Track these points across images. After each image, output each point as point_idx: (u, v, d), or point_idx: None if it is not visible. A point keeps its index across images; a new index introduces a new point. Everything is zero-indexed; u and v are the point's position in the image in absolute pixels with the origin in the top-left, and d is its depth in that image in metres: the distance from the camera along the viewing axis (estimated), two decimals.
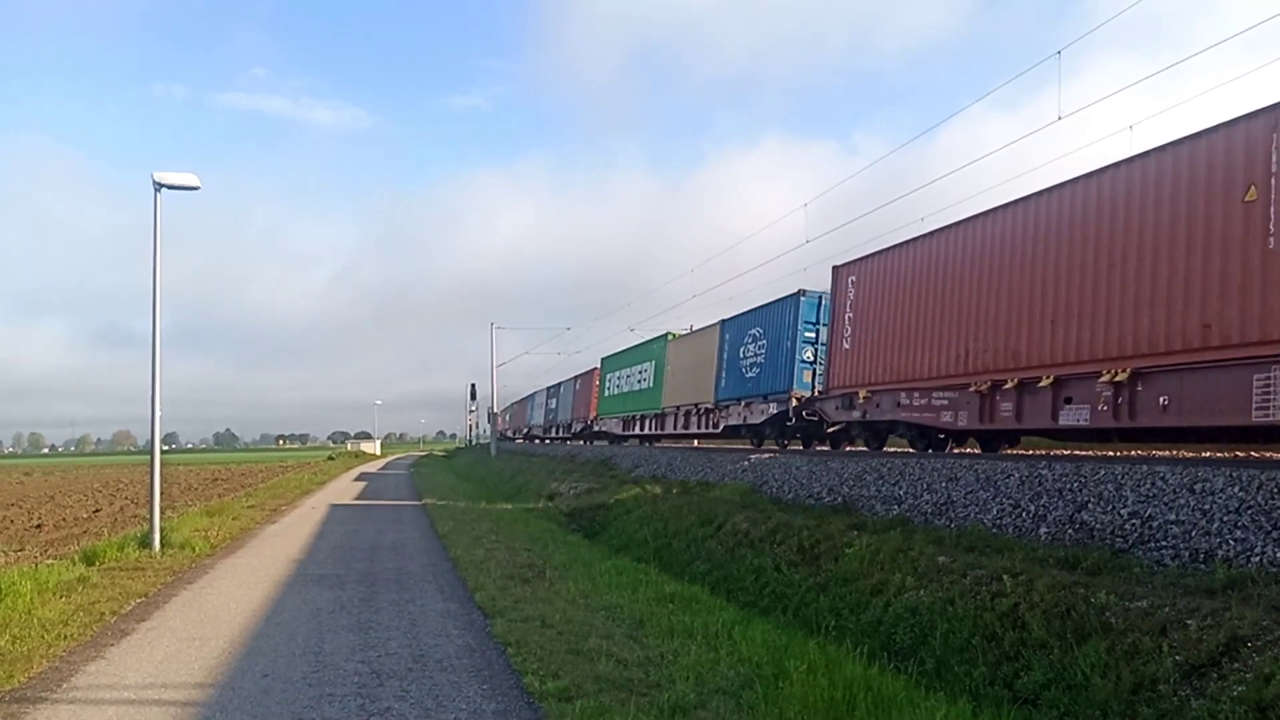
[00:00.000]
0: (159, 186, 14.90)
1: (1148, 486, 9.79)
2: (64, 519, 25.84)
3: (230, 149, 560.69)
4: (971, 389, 15.07)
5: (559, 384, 61.80)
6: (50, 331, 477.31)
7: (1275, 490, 8.46)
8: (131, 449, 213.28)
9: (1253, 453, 13.88)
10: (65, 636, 8.51)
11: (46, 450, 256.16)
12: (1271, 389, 10.16)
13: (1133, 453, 15.41)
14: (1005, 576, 8.75)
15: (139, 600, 10.58)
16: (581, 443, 50.36)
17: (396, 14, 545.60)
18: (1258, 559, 7.89)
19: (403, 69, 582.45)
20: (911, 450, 18.28)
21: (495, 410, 65.10)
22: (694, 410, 30.39)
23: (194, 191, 15.12)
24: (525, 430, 79.91)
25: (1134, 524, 9.42)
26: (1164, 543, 8.92)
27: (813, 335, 22.46)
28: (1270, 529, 8.09)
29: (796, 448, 24.30)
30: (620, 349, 42.61)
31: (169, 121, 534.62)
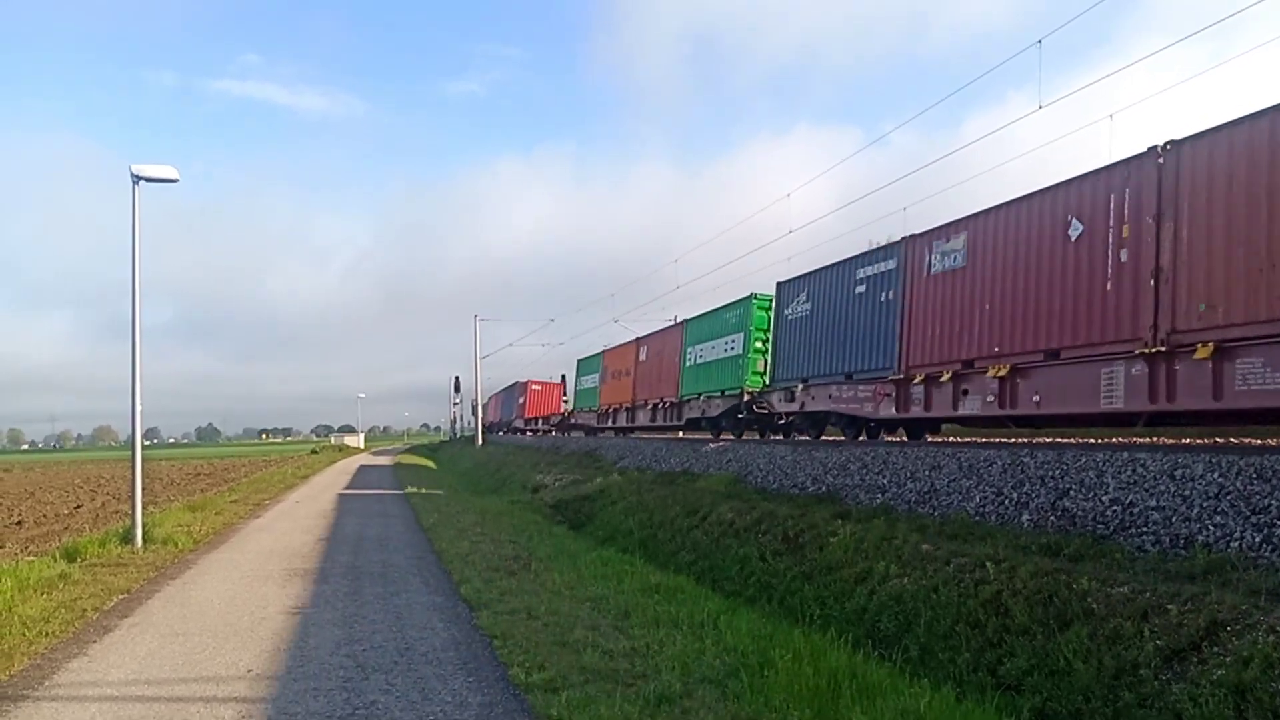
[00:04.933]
0: (136, 179, 14.72)
1: (1129, 473, 9.87)
2: (45, 515, 25.62)
3: (239, 137, 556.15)
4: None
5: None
6: (52, 325, 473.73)
7: (1254, 476, 8.56)
8: (113, 444, 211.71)
9: (1232, 439, 14.02)
10: (47, 633, 8.43)
11: (26, 446, 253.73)
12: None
13: (1113, 440, 15.54)
14: (988, 564, 8.81)
15: (121, 596, 10.49)
16: (562, 434, 50.71)
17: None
18: (1236, 544, 7.97)
19: (411, 55, 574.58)
20: (895, 440, 18.58)
21: (480, 402, 64.90)
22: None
23: (174, 183, 14.93)
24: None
25: (1115, 510, 9.50)
26: (1145, 529, 9.00)
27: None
28: (1249, 514, 8.17)
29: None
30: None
31: (161, 110, 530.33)
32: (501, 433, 78.18)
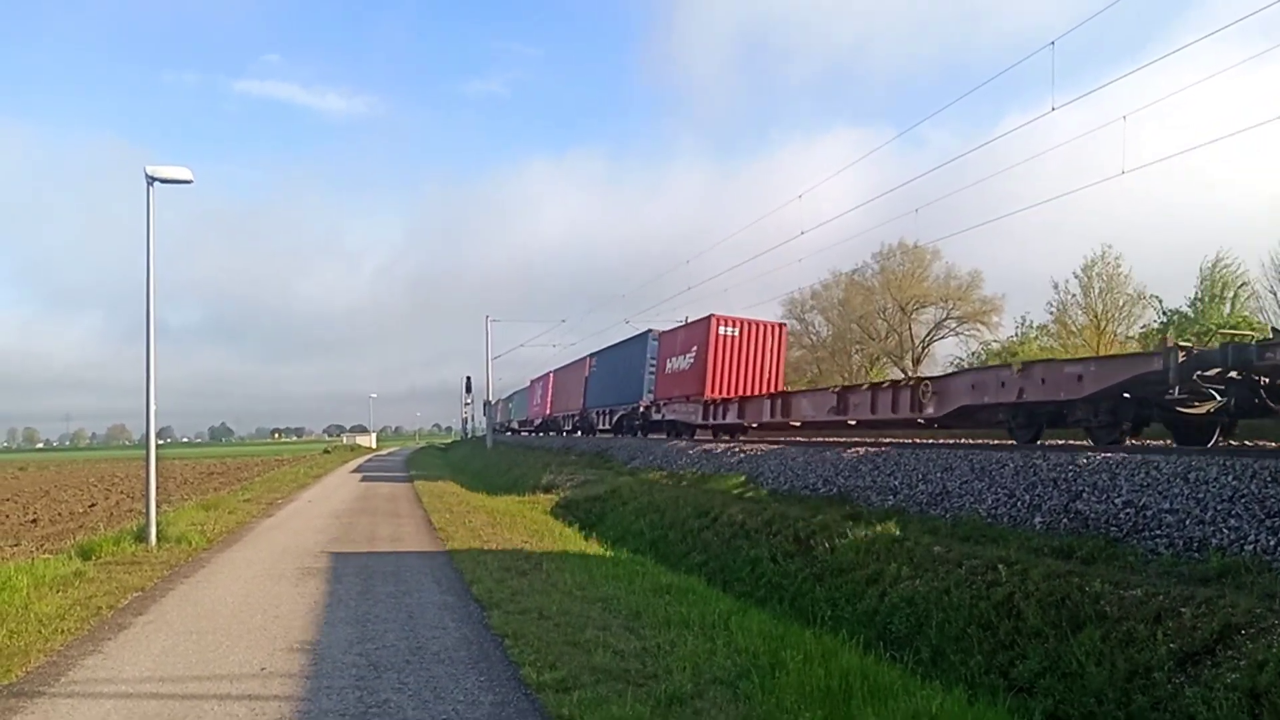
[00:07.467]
0: (151, 180, 14.82)
1: (1142, 476, 9.83)
2: (59, 514, 25.78)
3: (268, 138, 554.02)
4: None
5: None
6: (82, 325, 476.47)
7: (1269, 479, 8.51)
8: (126, 443, 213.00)
9: (1246, 442, 13.93)
10: (62, 631, 8.51)
11: (41, 445, 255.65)
12: None
13: (1127, 443, 15.46)
14: (1000, 566, 8.79)
15: (136, 594, 10.57)
16: (566, 435, 50.88)
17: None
18: (1251, 547, 7.92)
19: (436, 56, 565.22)
20: (905, 441, 18.60)
21: (491, 401, 64.99)
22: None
23: (188, 185, 15.05)
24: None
25: (1128, 513, 9.46)
26: (1158, 531, 8.95)
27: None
28: (1264, 517, 8.12)
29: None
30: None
31: (186, 110, 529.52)
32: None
